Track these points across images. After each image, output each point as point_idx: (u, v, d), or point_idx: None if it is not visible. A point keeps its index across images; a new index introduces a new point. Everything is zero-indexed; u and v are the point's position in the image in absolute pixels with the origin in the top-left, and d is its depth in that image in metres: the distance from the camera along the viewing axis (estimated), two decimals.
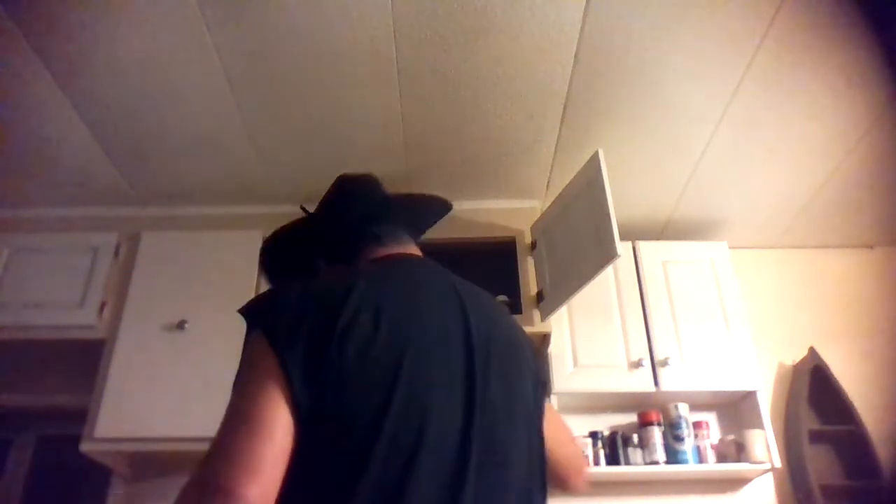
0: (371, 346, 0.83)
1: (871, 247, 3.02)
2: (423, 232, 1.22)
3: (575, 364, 2.43)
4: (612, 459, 2.39)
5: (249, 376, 0.82)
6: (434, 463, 0.80)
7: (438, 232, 2.64)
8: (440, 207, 1.24)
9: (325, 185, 1.18)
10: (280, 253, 1.17)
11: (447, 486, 0.80)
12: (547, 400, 1.07)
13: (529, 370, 1.02)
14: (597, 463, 2.36)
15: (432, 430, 0.82)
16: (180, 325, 2.30)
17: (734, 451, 2.39)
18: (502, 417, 0.90)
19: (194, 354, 2.27)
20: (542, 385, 1.05)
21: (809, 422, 2.56)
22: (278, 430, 0.77)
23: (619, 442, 2.41)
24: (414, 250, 1.12)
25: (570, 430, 1.18)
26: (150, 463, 2.41)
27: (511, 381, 0.96)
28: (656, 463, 2.34)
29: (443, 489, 0.80)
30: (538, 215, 2.62)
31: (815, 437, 2.54)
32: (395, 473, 0.78)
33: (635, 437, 2.41)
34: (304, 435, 0.78)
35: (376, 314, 0.86)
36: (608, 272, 2.49)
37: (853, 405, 2.54)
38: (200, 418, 2.14)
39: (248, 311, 0.89)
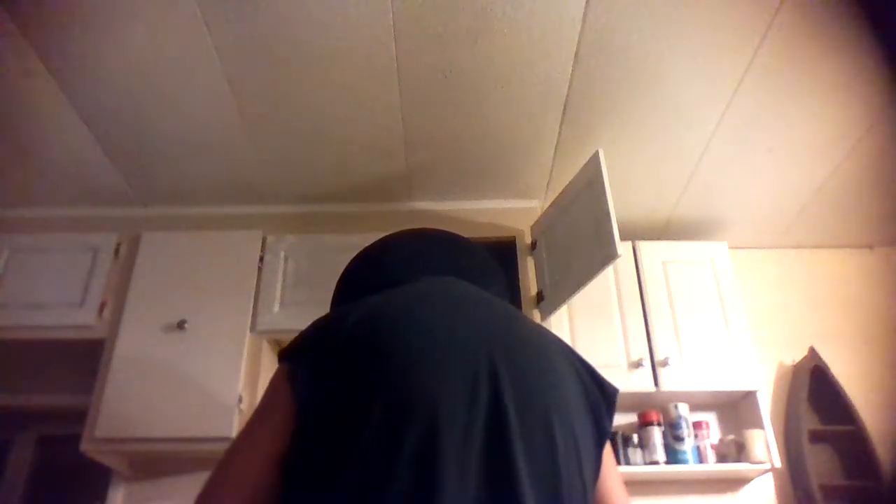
0: (363, 354, 0.87)
1: (870, 247, 3.03)
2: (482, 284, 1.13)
3: None
4: None
5: (264, 395, 0.93)
6: (422, 473, 0.77)
7: None
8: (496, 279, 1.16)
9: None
10: (339, 284, 1.17)
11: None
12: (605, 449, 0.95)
13: (573, 402, 0.93)
14: None
15: (413, 448, 0.78)
16: (180, 325, 2.30)
17: (734, 451, 2.39)
18: (520, 449, 0.82)
19: (194, 354, 2.26)
20: (600, 427, 0.95)
21: (809, 422, 2.56)
22: (268, 443, 0.86)
23: (620, 442, 2.41)
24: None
25: (624, 494, 1.00)
26: (150, 463, 2.41)
27: (536, 407, 0.87)
28: (656, 463, 2.34)
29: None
30: (538, 215, 2.62)
31: (815, 437, 2.54)
32: (376, 475, 0.77)
33: (635, 437, 2.41)
34: (301, 434, 0.84)
35: (373, 327, 0.90)
36: (608, 272, 2.49)
37: (853, 405, 2.54)
38: (200, 418, 2.15)
39: (280, 356, 0.96)
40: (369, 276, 1.11)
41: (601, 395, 0.98)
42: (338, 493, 0.78)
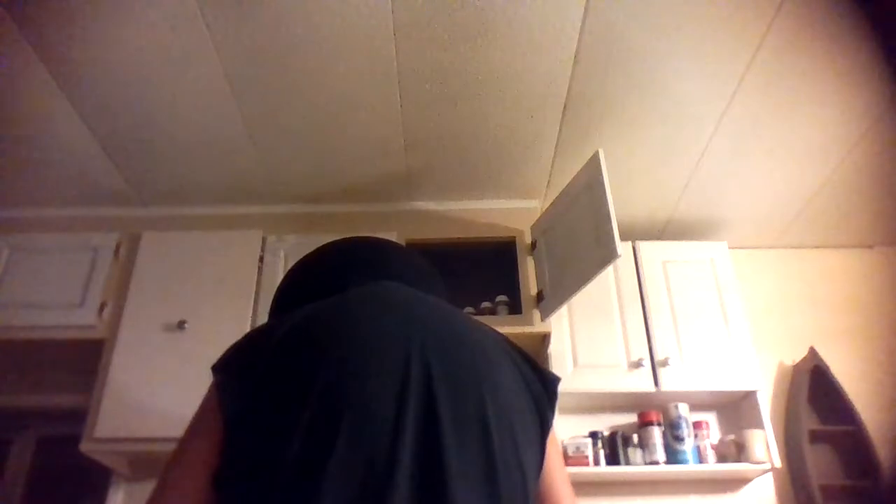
0: (295, 356, 0.87)
1: (870, 247, 3.02)
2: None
3: (575, 364, 2.43)
4: (612, 459, 2.39)
5: (198, 408, 0.94)
6: (350, 473, 0.77)
7: (439, 232, 2.66)
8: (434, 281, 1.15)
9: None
10: (275, 297, 1.16)
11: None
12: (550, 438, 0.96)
13: (511, 394, 0.93)
14: (597, 463, 2.36)
15: (346, 440, 0.78)
16: (180, 325, 2.30)
17: (734, 451, 2.39)
18: (451, 441, 0.81)
19: (194, 354, 2.26)
20: (542, 418, 0.96)
21: (809, 422, 2.56)
22: (201, 457, 0.86)
23: (619, 442, 2.41)
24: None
25: (568, 488, 1.00)
26: (150, 463, 2.41)
27: (472, 402, 0.86)
28: (656, 463, 2.34)
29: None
30: (538, 215, 2.62)
31: (815, 437, 2.54)
32: (309, 475, 0.77)
33: (635, 437, 2.41)
34: (231, 444, 0.84)
35: (306, 331, 0.89)
36: (608, 272, 2.49)
37: (853, 405, 2.54)
38: None
39: (212, 368, 0.95)
40: (305, 286, 1.10)
41: (542, 386, 1.00)
42: (272, 497, 0.77)
